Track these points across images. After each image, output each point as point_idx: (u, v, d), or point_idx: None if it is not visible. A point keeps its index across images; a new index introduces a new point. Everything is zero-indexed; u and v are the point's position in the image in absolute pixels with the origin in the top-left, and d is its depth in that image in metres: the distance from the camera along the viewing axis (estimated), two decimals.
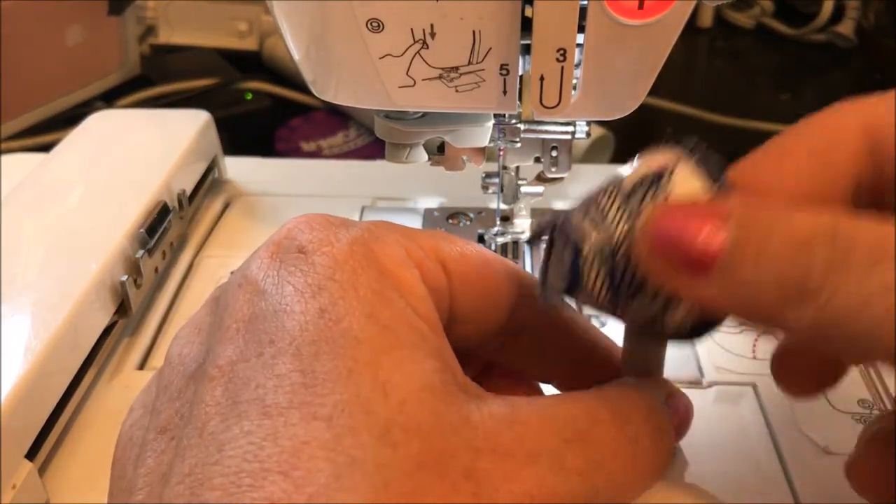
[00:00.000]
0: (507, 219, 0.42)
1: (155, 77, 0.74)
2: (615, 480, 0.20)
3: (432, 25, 0.27)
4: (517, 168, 0.40)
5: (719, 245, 0.19)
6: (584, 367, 0.27)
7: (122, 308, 0.37)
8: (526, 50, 0.27)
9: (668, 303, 0.22)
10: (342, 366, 0.18)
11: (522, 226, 0.42)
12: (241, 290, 0.21)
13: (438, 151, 0.36)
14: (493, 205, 0.43)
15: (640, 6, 0.25)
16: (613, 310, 0.22)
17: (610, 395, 0.22)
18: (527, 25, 0.26)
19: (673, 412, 0.24)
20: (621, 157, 0.60)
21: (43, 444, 0.31)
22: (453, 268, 0.23)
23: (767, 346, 0.37)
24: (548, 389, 0.28)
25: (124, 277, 0.37)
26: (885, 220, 0.18)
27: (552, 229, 0.22)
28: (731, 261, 0.19)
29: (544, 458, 0.19)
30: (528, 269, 0.41)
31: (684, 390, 0.33)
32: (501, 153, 0.38)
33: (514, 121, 0.36)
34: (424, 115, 0.33)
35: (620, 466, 0.20)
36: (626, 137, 0.62)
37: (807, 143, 0.22)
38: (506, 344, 0.26)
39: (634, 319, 0.23)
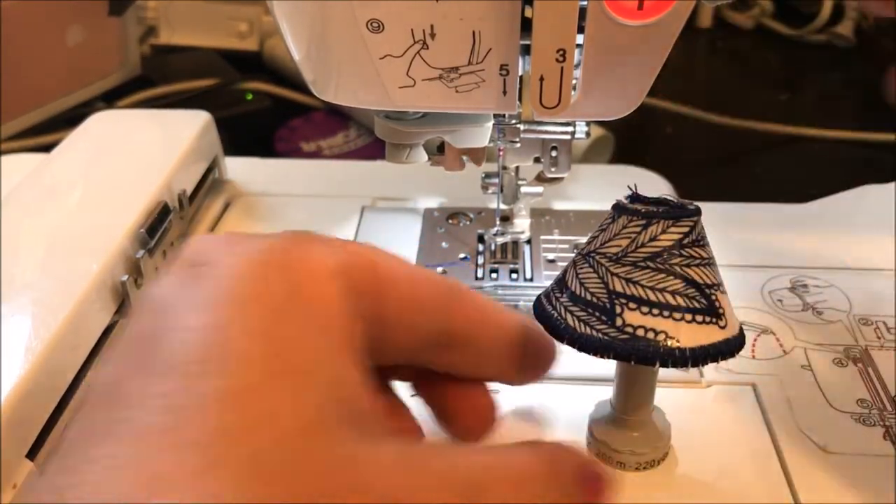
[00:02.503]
0: (506, 219, 0.42)
1: (155, 77, 0.74)
2: None
3: (432, 26, 0.27)
4: (517, 168, 0.40)
5: None
6: (526, 370, 0.27)
7: (123, 308, 0.37)
8: (526, 50, 0.27)
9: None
10: (223, 389, 0.18)
11: (522, 226, 0.42)
12: (144, 307, 0.20)
13: (438, 151, 0.36)
14: (493, 205, 0.43)
15: (640, 6, 0.25)
16: None
17: (508, 458, 0.21)
18: (527, 26, 0.26)
19: (580, 483, 0.22)
20: (621, 157, 0.60)
21: (44, 444, 0.31)
22: (384, 272, 0.23)
23: (767, 346, 0.37)
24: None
25: (125, 277, 0.37)
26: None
27: None
28: None
29: None
30: (527, 268, 0.41)
31: (683, 390, 0.34)
32: (501, 153, 0.38)
33: (513, 121, 0.36)
34: (424, 115, 0.33)
35: None
36: (625, 137, 0.62)
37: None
38: (441, 352, 0.25)
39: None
